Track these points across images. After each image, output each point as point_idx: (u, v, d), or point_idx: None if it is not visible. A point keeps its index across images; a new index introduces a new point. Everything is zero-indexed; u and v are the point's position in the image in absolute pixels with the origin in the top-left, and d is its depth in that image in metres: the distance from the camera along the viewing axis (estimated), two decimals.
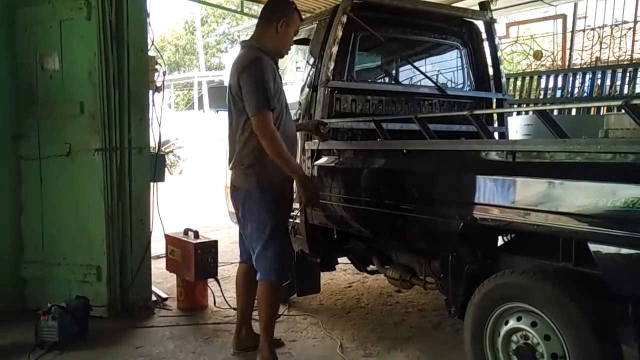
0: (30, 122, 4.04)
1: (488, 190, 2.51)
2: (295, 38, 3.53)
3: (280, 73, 3.20)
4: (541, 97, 7.89)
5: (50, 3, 3.91)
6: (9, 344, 3.51)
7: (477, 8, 4.48)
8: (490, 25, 4.41)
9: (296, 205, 3.69)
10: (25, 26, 4.01)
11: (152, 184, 4.22)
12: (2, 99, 4.03)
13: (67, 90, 3.95)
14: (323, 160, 3.55)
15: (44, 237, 4.07)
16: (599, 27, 9.02)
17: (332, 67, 3.59)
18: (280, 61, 4.80)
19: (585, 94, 7.53)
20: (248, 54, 3.07)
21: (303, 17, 3.38)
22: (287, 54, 3.39)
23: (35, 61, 4.00)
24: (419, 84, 4.26)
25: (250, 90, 2.92)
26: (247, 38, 3.40)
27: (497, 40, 4.48)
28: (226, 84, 3.21)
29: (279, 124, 3.03)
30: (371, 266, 3.84)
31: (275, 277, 3.11)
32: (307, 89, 3.75)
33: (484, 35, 4.45)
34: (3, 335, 3.59)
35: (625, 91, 7.05)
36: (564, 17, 9.73)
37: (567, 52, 9.27)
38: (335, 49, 3.59)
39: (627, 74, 7.17)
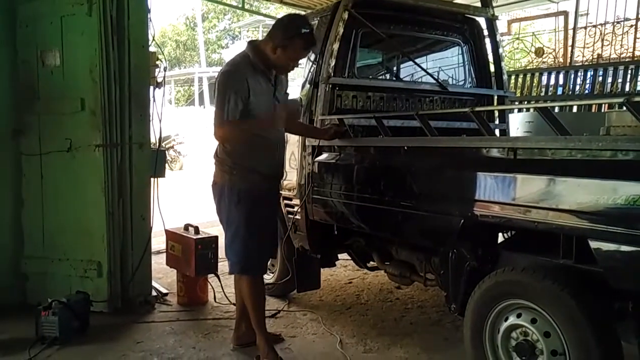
0: (31, 118, 4.04)
1: (489, 187, 2.51)
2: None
3: (273, 80, 3.13)
4: (542, 94, 7.87)
5: None
6: (10, 339, 3.51)
7: (478, 5, 4.47)
8: (491, 22, 4.40)
9: (296, 201, 3.70)
10: (26, 22, 4.01)
11: (152, 179, 4.22)
12: (3, 94, 4.02)
13: (68, 86, 3.95)
14: (324, 156, 3.55)
15: (44, 233, 4.07)
16: (601, 24, 8.99)
17: (333, 63, 3.59)
18: None
19: (586, 91, 7.51)
20: (233, 60, 3.11)
21: (305, 13, 3.37)
22: (284, 73, 3.22)
23: (36, 57, 4.00)
24: (420, 80, 4.25)
25: (216, 101, 2.97)
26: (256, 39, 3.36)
27: (498, 37, 4.47)
28: None
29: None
30: (371, 262, 3.84)
31: (238, 272, 3.20)
32: (308, 86, 3.75)
33: (485, 32, 4.44)
34: (4, 331, 3.60)
35: (627, 88, 7.03)
36: (565, 13, 9.69)
37: (569, 49, 9.23)
38: (336, 46, 3.59)
39: (629, 71, 7.15)
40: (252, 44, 3.10)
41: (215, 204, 3.23)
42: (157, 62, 4.29)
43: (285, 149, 3.34)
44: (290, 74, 3.39)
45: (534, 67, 9.27)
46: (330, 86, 3.62)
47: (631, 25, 8.72)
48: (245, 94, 2.94)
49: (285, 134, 3.34)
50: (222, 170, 3.13)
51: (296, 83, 4.14)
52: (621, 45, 8.74)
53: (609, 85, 7.19)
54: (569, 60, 8.99)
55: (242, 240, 3.11)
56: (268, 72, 3.08)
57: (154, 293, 4.32)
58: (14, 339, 3.50)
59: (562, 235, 2.27)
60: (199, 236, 4.13)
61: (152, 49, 4.21)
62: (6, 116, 4.04)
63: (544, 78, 7.97)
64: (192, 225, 4.27)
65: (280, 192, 3.54)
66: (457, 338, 3.33)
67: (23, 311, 3.77)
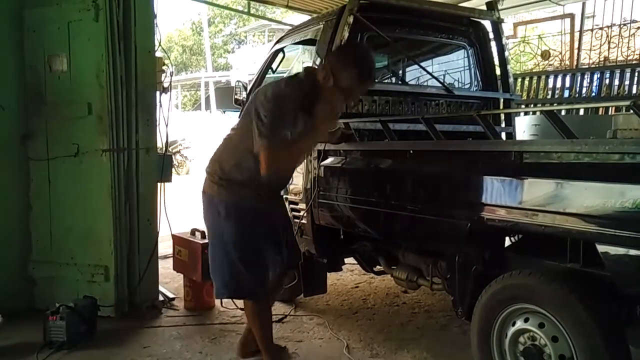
0: (38, 123, 4.06)
1: (495, 191, 2.50)
2: (302, 39, 3.41)
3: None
4: (549, 97, 7.85)
5: (58, 4, 3.94)
6: (18, 343, 3.53)
7: (484, 8, 4.46)
8: (497, 25, 4.39)
9: (302, 206, 3.70)
10: (33, 27, 4.03)
11: (159, 184, 4.24)
12: (11, 99, 4.05)
13: (75, 91, 3.98)
14: (330, 160, 3.55)
15: (51, 237, 4.09)
16: (608, 27, 8.96)
17: None
18: (286, 61, 4.80)
19: (593, 94, 7.49)
20: (289, 83, 2.79)
21: (310, 17, 3.33)
22: (331, 110, 2.83)
23: (43, 62, 4.02)
24: (426, 84, 4.25)
25: (265, 118, 2.65)
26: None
27: (504, 40, 4.47)
28: (233, 83, 3.17)
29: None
30: (378, 267, 3.84)
31: (227, 296, 2.98)
32: None
33: (491, 35, 4.43)
34: (12, 335, 3.61)
35: (634, 91, 7.01)
36: (572, 16, 9.67)
37: (575, 51, 9.21)
38: None
39: (636, 74, 7.12)
40: (308, 70, 2.79)
41: (203, 215, 3.02)
42: (164, 67, 4.32)
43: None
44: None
45: (540, 70, 9.25)
46: None
47: (638, 28, 8.70)
48: (291, 127, 2.71)
49: None
50: (212, 180, 2.93)
51: None
52: (628, 47, 8.71)
53: (616, 88, 7.17)
54: (575, 63, 8.98)
55: (230, 260, 2.88)
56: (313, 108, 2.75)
57: (160, 298, 4.33)
58: (21, 344, 3.51)
59: (569, 239, 2.26)
60: (206, 241, 4.11)
61: (158, 54, 4.23)
62: (14, 121, 4.06)
63: (550, 81, 7.95)
64: (198, 230, 4.26)
65: (282, 207, 3.32)
66: (464, 343, 3.31)
67: (31, 316, 3.78)
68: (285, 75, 3.10)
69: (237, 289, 2.99)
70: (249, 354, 3.30)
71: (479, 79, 4.41)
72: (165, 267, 4.85)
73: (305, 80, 2.76)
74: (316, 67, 2.74)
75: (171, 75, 4.35)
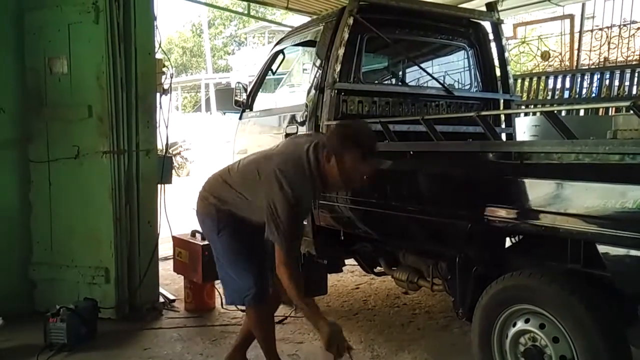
0: (39, 125, 4.07)
1: (495, 192, 2.50)
2: (301, 40, 3.38)
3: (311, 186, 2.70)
4: (549, 97, 7.85)
5: (59, 7, 3.94)
6: (18, 345, 3.53)
7: (484, 9, 4.46)
8: (497, 26, 4.39)
9: None
10: (33, 30, 4.04)
11: (159, 186, 4.24)
12: (11, 102, 4.06)
13: (76, 93, 3.98)
14: None
15: (52, 240, 4.09)
16: (607, 27, 8.96)
17: (338, 68, 3.59)
18: (286, 63, 4.78)
19: (593, 95, 7.48)
20: (302, 180, 2.63)
21: (310, 19, 3.33)
22: (336, 190, 2.91)
23: (43, 64, 4.03)
24: (426, 85, 4.25)
25: (283, 216, 2.57)
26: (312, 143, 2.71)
27: (504, 41, 4.46)
28: (233, 85, 3.14)
29: None
30: (378, 268, 3.84)
31: (248, 304, 2.88)
32: (313, 91, 3.75)
33: (491, 36, 4.43)
34: (12, 337, 3.61)
35: (634, 91, 7.00)
36: (571, 17, 9.66)
37: (575, 52, 9.21)
38: (341, 51, 3.59)
39: (636, 74, 7.12)
40: (316, 152, 2.64)
41: (202, 230, 3.06)
42: (164, 69, 4.33)
43: None
44: (296, 79, 3.37)
45: (540, 70, 9.25)
46: (336, 91, 3.62)
47: (638, 28, 8.70)
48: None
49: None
50: (208, 203, 2.89)
51: (302, 89, 4.15)
52: (628, 48, 8.71)
53: (616, 89, 7.16)
54: (575, 64, 8.97)
55: (225, 273, 2.91)
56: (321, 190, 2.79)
57: (161, 299, 4.33)
58: (22, 346, 3.51)
59: (569, 240, 2.26)
60: (206, 242, 4.12)
61: (158, 55, 4.24)
62: (14, 123, 4.07)
63: (550, 82, 7.95)
64: (198, 232, 4.27)
65: None
66: (464, 344, 3.31)
67: (31, 318, 3.79)
68: (285, 78, 3.09)
69: (229, 295, 2.96)
70: None
71: (479, 80, 4.41)
72: (166, 269, 4.85)
73: (314, 169, 2.66)
74: (322, 150, 2.63)
75: (171, 77, 4.36)
